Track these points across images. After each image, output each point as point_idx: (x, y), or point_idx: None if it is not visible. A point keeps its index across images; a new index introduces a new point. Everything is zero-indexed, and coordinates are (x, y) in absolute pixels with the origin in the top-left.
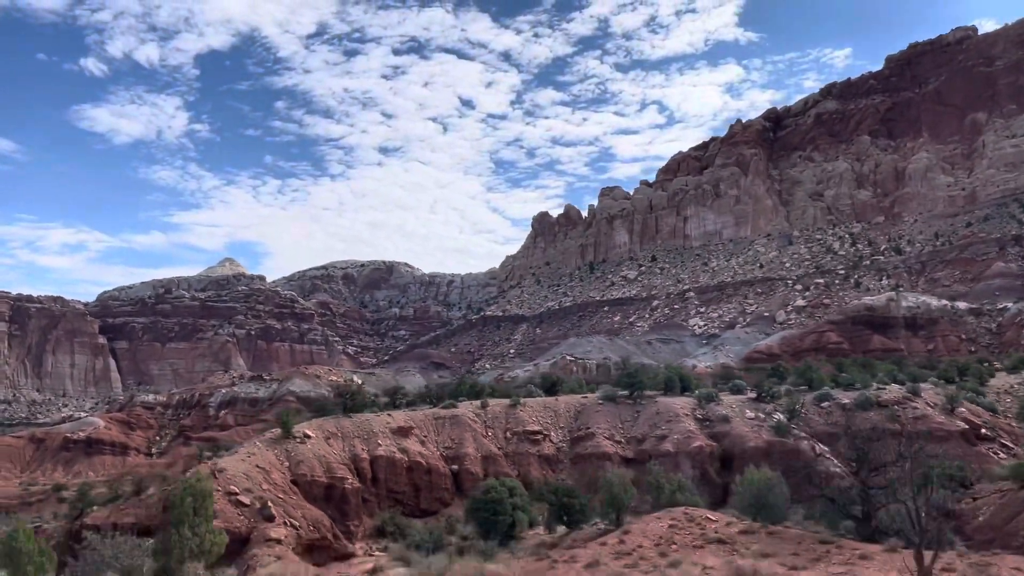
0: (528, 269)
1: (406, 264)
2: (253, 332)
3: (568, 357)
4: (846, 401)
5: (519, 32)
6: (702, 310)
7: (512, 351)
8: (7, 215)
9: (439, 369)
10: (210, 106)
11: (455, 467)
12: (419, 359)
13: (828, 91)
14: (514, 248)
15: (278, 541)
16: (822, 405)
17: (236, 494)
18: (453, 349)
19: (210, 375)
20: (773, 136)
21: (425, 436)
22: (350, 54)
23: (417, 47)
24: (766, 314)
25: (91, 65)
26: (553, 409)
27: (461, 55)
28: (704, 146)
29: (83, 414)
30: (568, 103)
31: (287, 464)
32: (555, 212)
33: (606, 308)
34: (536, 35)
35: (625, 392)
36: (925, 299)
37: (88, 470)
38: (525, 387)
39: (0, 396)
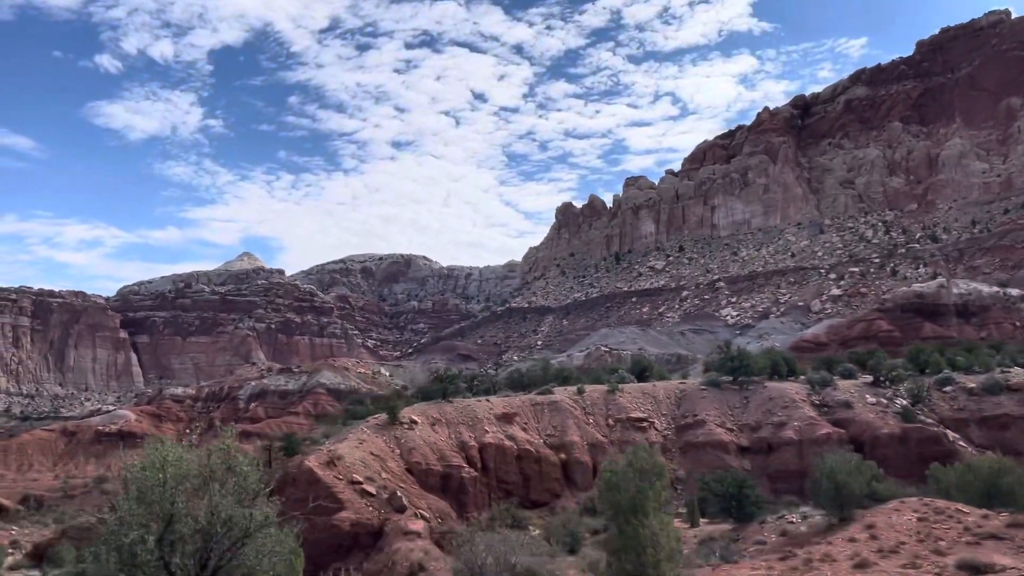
0: (552, 260)
1: (424, 257)
2: (273, 326)
3: (603, 348)
4: (972, 385)
5: (531, 25)
6: (733, 300)
7: (539, 342)
8: (24, 212)
9: (466, 361)
10: (224, 101)
11: (562, 456)
12: (445, 351)
13: (857, 77)
14: (527, 241)
15: (418, 534)
16: (944, 390)
17: (360, 483)
18: (479, 341)
19: (238, 367)
20: (801, 123)
21: (526, 423)
22: (363, 48)
23: (429, 41)
24: (800, 304)
25: (106, 62)
26: (652, 395)
27: (473, 48)
28: (730, 134)
29: (111, 407)
30: (581, 95)
31: (398, 451)
32: (579, 203)
33: (634, 299)
34: (548, 27)
35: (728, 377)
36: (976, 285)
37: (121, 463)
38: (616, 372)
39: (23, 390)
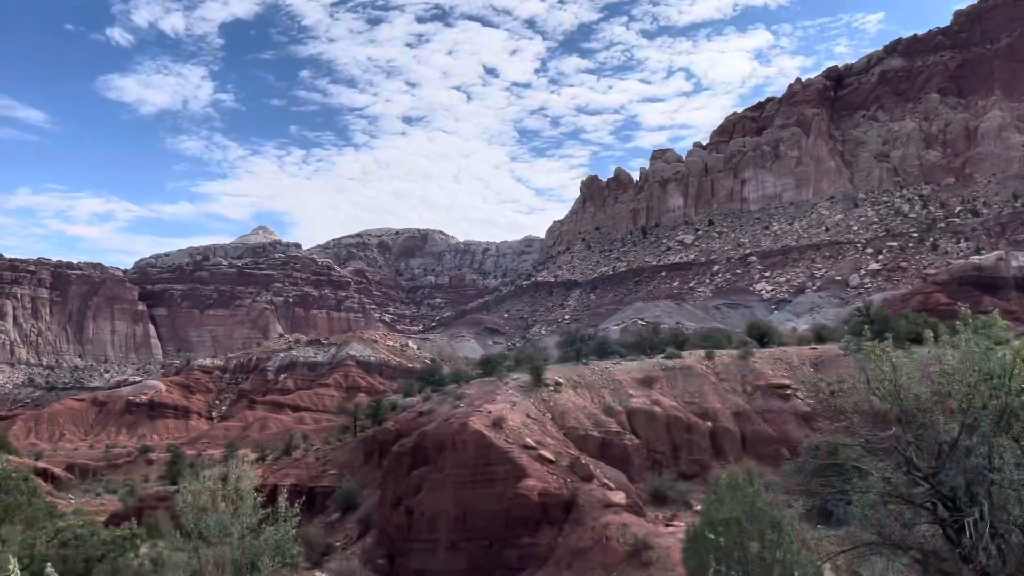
0: (577, 234)
1: (441, 232)
2: (291, 299)
3: (640, 321)
4: None
5: None
6: (767, 275)
7: (567, 316)
8: (37, 185)
9: (493, 335)
10: (235, 76)
11: (709, 424)
12: (472, 325)
13: (893, 48)
14: (538, 218)
15: (622, 506)
16: None
17: (534, 448)
18: (505, 315)
19: (256, 340)
20: (834, 95)
21: (663, 389)
22: (374, 22)
23: (441, 14)
24: (838, 278)
25: (117, 35)
26: (785, 361)
27: (485, 22)
28: (760, 106)
29: (139, 378)
30: (593, 71)
31: (549, 415)
32: (603, 176)
33: (663, 273)
34: (561, 1)
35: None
36: None
37: (152, 433)
38: (738, 337)
39: (43, 361)
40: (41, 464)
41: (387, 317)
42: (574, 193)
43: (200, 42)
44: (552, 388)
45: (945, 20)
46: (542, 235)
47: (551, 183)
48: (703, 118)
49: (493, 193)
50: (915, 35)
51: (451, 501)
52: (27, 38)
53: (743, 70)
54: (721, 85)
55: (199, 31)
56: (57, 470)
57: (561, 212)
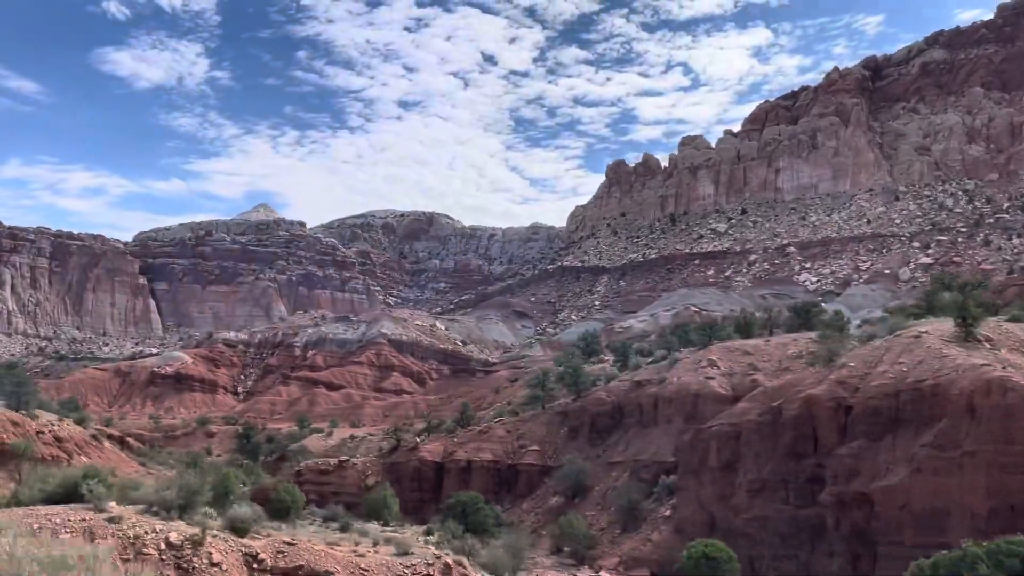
0: (602, 219)
1: (446, 216)
2: (294, 278)
3: (692, 308)
4: None
5: None
6: (808, 266)
7: (597, 303)
8: (29, 156)
9: (521, 318)
10: (231, 54)
11: None
12: (499, 307)
13: (934, 39)
14: (533, 208)
15: None
16: None
17: None
18: (532, 299)
19: (268, 319)
20: (872, 86)
21: None
22: (373, 4)
23: None
24: (887, 271)
25: (113, 8)
26: None
27: (485, 9)
28: (794, 95)
29: (154, 351)
30: (592, 62)
31: None
32: (632, 161)
33: (697, 261)
34: None
35: None
36: None
37: (179, 406)
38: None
39: (40, 332)
40: (115, 431)
41: (391, 299)
42: (569, 184)
43: (197, 18)
44: (989, 347)
45: (944, 24)
46: (546, 223)
47: (545, 173)
48: (700, 114)
49: (487, 181)
50: (958, 27)
51: (981, 489)
52: (21, 7)
53: (741, 67)
54: (719, 81)
55: (196, 7)
56: (131, 439)
57: (555, 202)
